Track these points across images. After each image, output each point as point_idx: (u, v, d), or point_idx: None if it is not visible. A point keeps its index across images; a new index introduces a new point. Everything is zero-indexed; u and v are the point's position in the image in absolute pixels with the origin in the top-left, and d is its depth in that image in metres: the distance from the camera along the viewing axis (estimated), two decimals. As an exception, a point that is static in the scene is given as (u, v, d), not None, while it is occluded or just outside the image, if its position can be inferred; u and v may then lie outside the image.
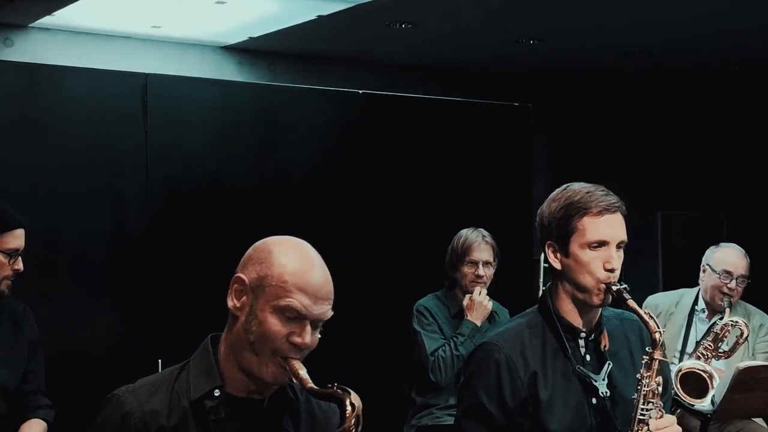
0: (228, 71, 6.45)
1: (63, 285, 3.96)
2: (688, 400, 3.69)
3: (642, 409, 2.23)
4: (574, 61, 6.95)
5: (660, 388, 2.24)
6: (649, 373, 2.23)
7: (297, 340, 1.75)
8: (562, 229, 2.26)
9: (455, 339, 3.86)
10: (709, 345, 3.93)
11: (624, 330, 2.39)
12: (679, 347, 4.15)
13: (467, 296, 3.93)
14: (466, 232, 4.00)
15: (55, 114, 3.98)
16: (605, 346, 2.33)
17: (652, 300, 4.34)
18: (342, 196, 4.59)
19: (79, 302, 3.98)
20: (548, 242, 2.31)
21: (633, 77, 7.32)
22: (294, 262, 1.77)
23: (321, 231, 3.82)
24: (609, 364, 2.30)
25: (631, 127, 7.71)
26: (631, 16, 5.57)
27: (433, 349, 3.85)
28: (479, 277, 3.93)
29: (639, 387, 2.23)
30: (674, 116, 7.61)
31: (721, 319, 3.97)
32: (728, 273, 4.02)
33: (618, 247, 2.26)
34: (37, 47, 5.73)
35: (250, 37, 6.15)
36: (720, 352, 3.92)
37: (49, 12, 5.38)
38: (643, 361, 2.25)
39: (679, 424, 2.32)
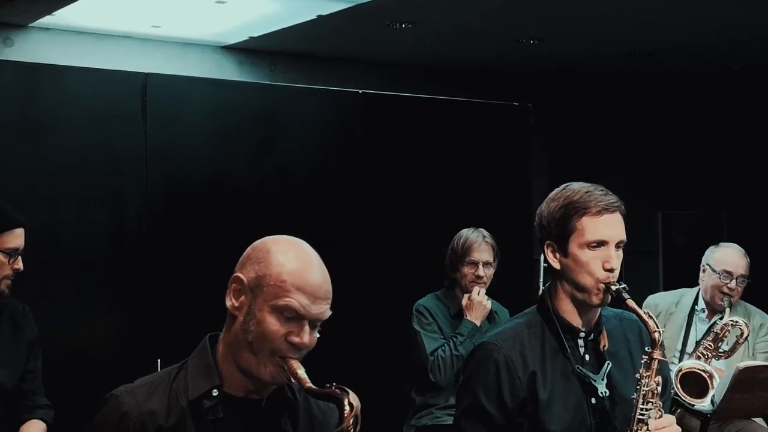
0: (228, 71, 6.45)
1: (62, 285, 3.96)
2: (688, 400, 3.68)
3: (641, 409, 2.22)
4: (574, 61, 6.95)
5: (659, 388, 2.24)
6: (648, 373, 2.23)
7: (295, 339, 1.75)
8: (561, 229, 2.26)
9: (455, 339, 3.85)
10: (709, 345, 3.93)
11: (623, 330, 2.39)
12: (679, 347, 4.14)
13: (466, 296, 3.93)
14: (466, 232, 4.00)
15: (54, 114, 3.98)
16: (604, 345, 2.32)
17: (651, 300, 4.34)
18: (341, 196, 4.59)
19: (79, 302, 3.98)
20: (547, 242, 2.31)
21: (633, 77, 7.32)
22: (292, 261, 1.77)
23: (321, 231, 3.82)
24: (608, 363, 2.30)
25: (631, 127, 7.70)
26: (631, 16, 5.57)
27: (432, 348, 3.84)
28: (479, 277, 3.93)
29: (638, 387, 2.23)
30: (674, 116, 7.61)
31: (721, 318, 3.97)
32: (728, 273, 4.02)
33: (617, 246, 2.26)
34: (37, 47, 5.73)
35: (250, 37, 6.15)
36: (720, 352, 3.92)
37: (49, 12, 5.37)
38: (642, 361, 2.24)
39: (679, 424, 2.31)
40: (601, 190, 2.28)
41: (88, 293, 4.00)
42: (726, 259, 4.06)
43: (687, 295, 4.23)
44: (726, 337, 3.90)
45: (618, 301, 2.25)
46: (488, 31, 6.03)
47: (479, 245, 3.94)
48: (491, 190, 4.97)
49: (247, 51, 6.48)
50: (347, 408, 1.68)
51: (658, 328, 2.23)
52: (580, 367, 2.28)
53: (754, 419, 3.93)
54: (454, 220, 4.28)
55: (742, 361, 3.81)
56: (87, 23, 5.75)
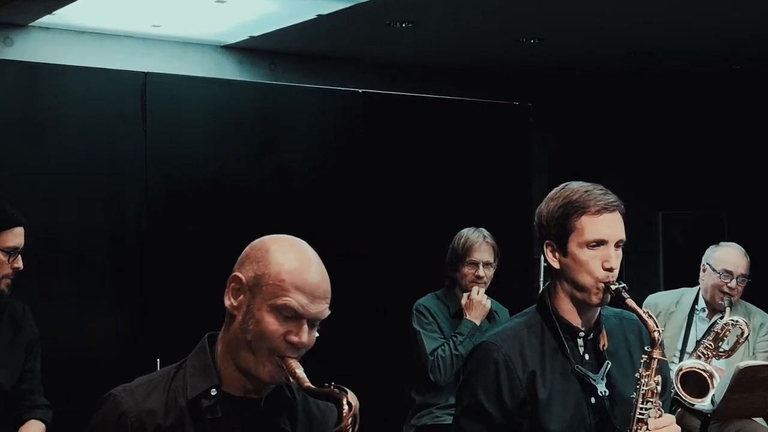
0: (228, 70, 6.45)
1: (62, 285, 3.96)
2: (688, 399, 3.68)
3: (641, 409, 2.22)
4: (574, 61, 6.95)
5: (659, 388, 2.24)
6: (648, 373, 2.22)
7: (294, 339, 1.75)
8: (561, 229, 2.26)
9: (454, 338, 3.85)
10: (710, 344, 3.92)
11: (623, 329, 2.39)
12: (680, 346, 4.14)
13: (465, 295, 3.92)
14: (467, 232, 3.99)
15: (54, 113, 3.97)
16: (604, 345, 2.32)
17: (652, 299, 4.33)
18: (342, 196, 4.58)
19: (79, 302, 3.98)
20: (546, 241, 2.31)
21: (633, 77, 7.31)
22: (291, 260, 1.77)
23: (321, 231, 3.83)
24: (608, 363, 2.30)
25: (631, 127, 7.70)
26: (631, 16, 5.57)
27: (432, 348, 3.84)
28: (479, 277, 3.92)
29: (638, 386, 2.23)
30: (675, 116, 7.61)
31: (721, 318, 3.96)
32: (728, 272, 4.02)
33: (616, 246, 2.25)
34: (38, 46, 5.73)
35: (250, 36, 6.15)
36: (720, 352, 3.91)
37: (50, 11, 5.37)
38: (642, 360, 2.24)
39: (679, 423, 2.31)
40: (601, 190, 2.27)
41: (88, 293, 4.00)
42: (726, 258, 4.06)
43: (687, 294, 4.23)
44: (726, 336, 3.90)
45: (617, 301, 2.25)
46: (488, 30, 6.02)
47: (480, 245, 3.94)
48: (491, 190, 4.97)
49: (247, 50, 6.48)
50: (345, 407, 1.68)
51: (657, 327, 2.22)
52: (580, 367, 2.27)
53: (754, 419, 3.92)
54: (455, 220, 4.27)
55: (742, 360, 3.81)
56: (87, 23, 5.76)
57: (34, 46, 5.72)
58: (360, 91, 4.84)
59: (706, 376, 3.71)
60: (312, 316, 1.76)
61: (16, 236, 3.02)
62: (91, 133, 4.03)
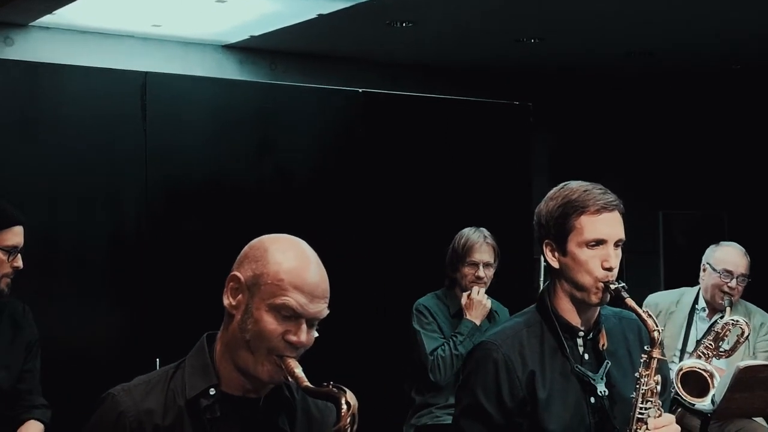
0: (229, 70, 6.45)
1: (62, 284, 3.96)
2: (688, 399, 3.68)
3: (640, 408, 2.21)
4: (574, 61, 6.94)
5: (659, 387, 2.23)
6: (647, 372, 2.22)
7: (293, 338, 1.74)
8: (560, 228, 2.26)
9: (454, 338, 3.85)
10: (710, 344, 3.92)
11: (622, 329, 2.38)
12: (680, 346, 4.14)
13: (465, 295, 3.92)
14: (467, 232, 3.98)
15: (53, 113, 3.98)
16: (604, 345, 2.32)
17: (652, 299, 4.33)
18: (342, 196, 4.58)
19: (79, 302, 3.98)
20: (546, 241, 2.30)
21: (634, 77, 7.31)
22: (290, 260, 1.77)
23: (321, 231, 3.83)
24: (607, 363, 2.30)
25: (631, 127, 7.70)
26: (631, 16, 5.56)
27: (432, 348, 3.83)
28: (479, 278, 3.91)
29: (637, 386, 2.22)
30: (675, 115, 7.61)
31: (721, 318, 3.96)
32: (729, 272, 4.01)
33: (616, 245, 2.25)
34: (38, 46, 5.73)
35: (251, 36, 6.15)
36: (721, 351, 3.91)
37: (50, 11, 5.37)
38: (641, 360, 2.23)
39: (679, 423, 2.31)
40: (600, 189, 2.27)
41: (88, 292, 4.00)
42: (726, 258, 4.06)
43: (687, 294, 4.23)
44: (726, 336, 3.90)
45: (617, 300, 2.25)
46: (489, 30, 6.02)
47: (480, 246, 3.93)
48: (491, 189, 4.97)
49: (247, 50, 6.48)
50: (344, 407, 1.68)
51: (657, 326, 2.22)
52: (579, 367, 2.27)
53: (754, 419, 3.92)
54: (455, 219, 4.27)
55: (742, 360, 3.80)
56: (88, 22, 5.75)
57: (34, 46, 5.72)
58: (360, 90, 4.83)
59: (706, 375, 3.71)
60: (311, 315, 1.76)
61: (16, 235, 3.02)
62: (91, 132, 4.03)
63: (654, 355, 2.22)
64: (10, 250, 3.00)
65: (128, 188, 4.10)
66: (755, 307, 4.17)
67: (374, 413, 3.24)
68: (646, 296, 4.33)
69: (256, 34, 6.08)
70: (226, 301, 1.80)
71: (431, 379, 3.82)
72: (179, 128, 4.23)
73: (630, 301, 2.22)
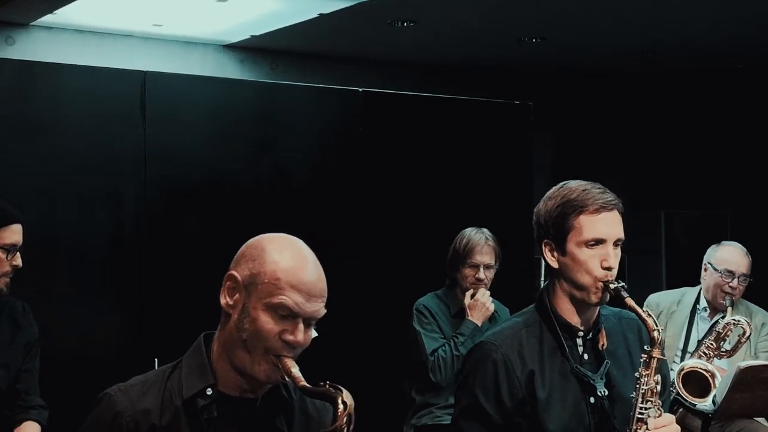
0: (230, 70, 6.44)
1: (61, 284, 3.96)
2: (689, 399, 3.67)
3: (640, 408, 2.21)
4: (575, 60, 6.94)
5: (659, 387, 2.23)
6: (647, 372, 2.21)
7: (290, 338, 1.74)
8: (559, 228, 2.25)
9: (455, 339, 3.84)
10: (711, 344, 3.91)
11: (622, 329, 2.38)
12: (681, 346, 4.13)
13: (468, 294, 3.91)
14: (469, 233, 3.96)
15: (53, 112, 3.97)
16: (603, 344, 2.31)
17: (653, 299, 4.32)
18: (341, 196, 4.57)
19: (77, 301, 3.97)
20: (545, 241, 2.30)
21: (635, 76, 7.30)
22: (287, 259, 1.76)
23: (320, 230, 3.82)
24: (607, 363, 2.29)
25: (633, 126, 7.68)
26: (632, 15, 5.55)
27: (432, 348, 3.83)
28: (479, 280, 3.90)
29: (637, 386, 2.22)
30: (678, 115, 7.59)
31: (723, 317, 3.95)
32: (730, 272, 4.00)
33: (615, 245, 2.24)
34: (39, 46, 5.73)
35: (252, 36, 6.14)
36: (722, 351, 3.90)
37: (51, 10, 5.37)
38: (641, 360, 2.23)
39: (680, 423, 2.30)
40: (599, 188, 2.26)
41: (87, 292, 3.99)
42: (728, 258, 4.05)
43: (689, 294, 4.22)
44: (728, 336, 3.89)
45: (617, 300, 2.24)
46: (489, 29, 6.01)
47: (481, 248, 3.91)
48: (492, 189, 4.96)
49: (248, 50, 6.48)
50: (341, 406, 1.67)
51: (657, 326, 2.21)
52: (579, 367, 2.26)
53: (755, 419, 3.91)
54: (455, 219, 4.26)
55: (744, 360, 3.80)
56: (88, 22, 5.75)
57: (35, 46, 5.72)
58: (360, 90, 4.82)
59: (707, 375, 3.70)
60: (308, 315, 1.76)
61: (14, 233, 3.01)
62: (90, 132, 4.02)
63: (654, 355, 2.21)
64: (9, 249, 2.99)
65: (127, 188, 4.09)
66: (757, 306, 4.16)
67: (374, 413, 3.24)
68: (648, 296, 4.32)
69: (257, 33, 6.07)
70: (223, 301, 1.80)
71: (432, 380, 3.81)
72: (178, 128, 4.22)
73: (629, 301, 2.22)
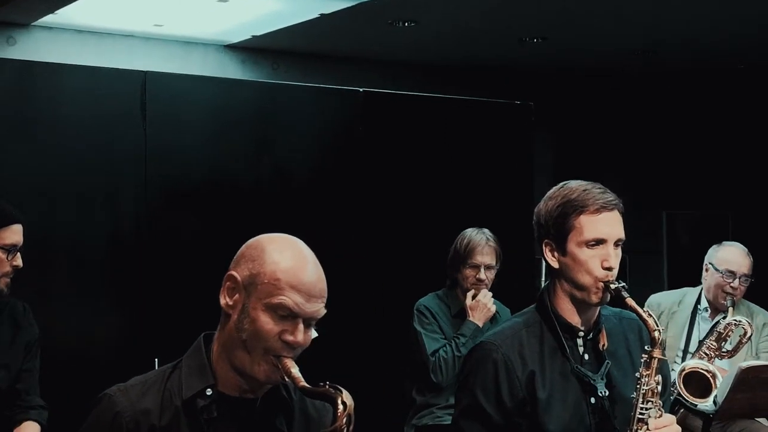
0: (231, 70, 6.44)
1: (60, 284, 3.95)
2: (690, 399, 3.66)
3: (641, 408, 2.21)
4: (576, 60, 6.93)
5: (659, 387, 2.23)
6: (648, 372, 2.21)
7: (289, 338, 1.74)
8: (559, 228, 2.25)
9: (457, 339, 3.83)
10: (712, 344, 3.91)
11: (623, 329, 2.37)
12: (682, 346, 4.13)
13: (469, 295, 3.90)
14: (470, 233, 3.95)
15: (53, 112, 3.97)
16: (604, 345, 2.31)
17: (654, 299, 4.31)
18: (341, 196, 4.57)
19: (77, 301, 3.97)
20: (545, 241, 2.29)
21: (637, 76, 7.30)
22: (287, 259, 1.76)
23: (320, 230, 3.82)
24: (607, 363, 2.29)
25: (634, 126, 7.68)
26: (633, 15, 5.55)
27: (433, 349, 3.82)
28: (480, 280, 3.90)
29: (638, 386, 2.22)
30: (679, 115, 7.58)
31: (724, 318, 3.95)
32: (731, 272, 4.00)
33: (616, 245, 2.24)
34: (40, 46, 5.73)
35: (253, 36, 6.14)
36: (723, 352, 3.90)
37: (52, 10, 5.37)
38: (642, 360, 2.23)
39: (681, 424, 2.30)
40: (599, 188, 2.26)
41: (86, 292, 3.99)
42: (729, 258, 4.04)
43: (690, 294, 4.21)
44: (729, 336, 3.89)
45: (617, 300, 2.24)
46: (490, 29, 6.01)
47: (482, 248, 3.90)
48: (493, 189, 4.95)
49: (249, 50, 6.48)
50: (340, 407, 1.67)
51: (657, 326, 2.21)
52: (579, 367, 2.26)
53: (757, 419, 3.90)
54: (456, 219, 4.26)
55: (745, 360, 3.79)
56: (89, 22, 5.75)
57: (36, 46, 5.72)
58: (360, 89, 4.82)
59: (708, 376, 3.70)
60: (308, 315, 1.75)
61: (15, 233, 3.01)
62: (90, 132, 4.02)
63: (654, 355, 2.21)
64: (10, 249, 2.99)
65: (127, 188, 4.09)
66: (758, 307, 4.16)
67: (374, 413, 3.23)
68: (649, 296, 4.32)
69: (258, 33, 6.07)
70: (222, 301, 1.79)
71: (433, 380, 3.81)
72: (178, 128, 4.22)
73: (630, 301, 2.21)
